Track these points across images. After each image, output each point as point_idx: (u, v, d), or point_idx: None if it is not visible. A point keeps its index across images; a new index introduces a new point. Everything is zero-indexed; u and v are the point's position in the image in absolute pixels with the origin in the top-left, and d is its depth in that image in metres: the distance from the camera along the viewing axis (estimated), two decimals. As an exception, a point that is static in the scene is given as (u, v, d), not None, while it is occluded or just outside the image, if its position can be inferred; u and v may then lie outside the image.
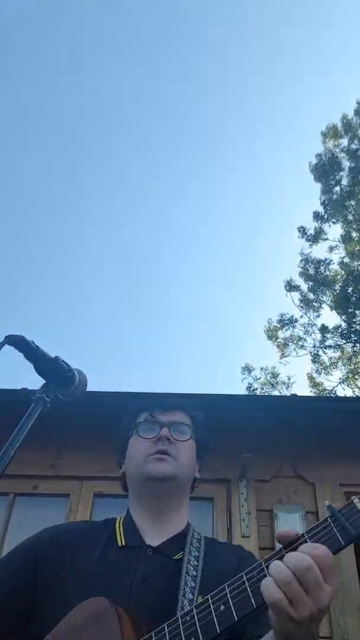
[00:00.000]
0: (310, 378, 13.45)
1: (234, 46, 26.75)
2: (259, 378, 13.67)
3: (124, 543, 1.17)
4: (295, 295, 13.86)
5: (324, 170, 13.69)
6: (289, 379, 13.48)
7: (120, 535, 1.19)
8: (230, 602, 0.82)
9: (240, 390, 13.53)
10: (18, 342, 0.91)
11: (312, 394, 12.43)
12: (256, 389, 13.66)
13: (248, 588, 0.82)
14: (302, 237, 13.93)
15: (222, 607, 0.82)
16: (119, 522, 1.24)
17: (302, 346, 13.65)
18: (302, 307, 13.70)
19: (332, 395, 12.47)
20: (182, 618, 0.85)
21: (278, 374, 13.64)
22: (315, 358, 13.38)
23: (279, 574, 0.76)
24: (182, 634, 0.83)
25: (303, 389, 13.60)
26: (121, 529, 1.21)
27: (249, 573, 0.83)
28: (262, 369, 13.86)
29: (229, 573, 0.98)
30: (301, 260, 13.94)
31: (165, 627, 0.87)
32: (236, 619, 0.80)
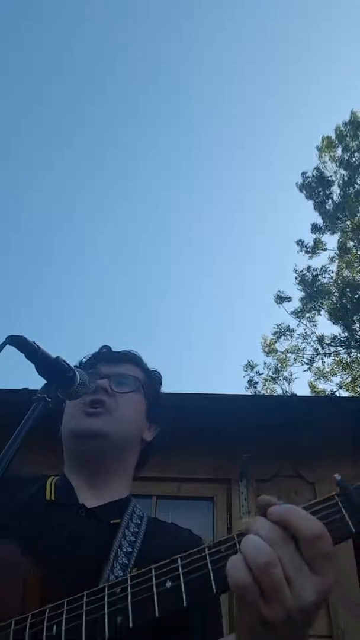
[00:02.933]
0: (312, 386, 13.59)
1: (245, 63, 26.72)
2: (262, 373, 13.85)
3: (52, 498, 1.00)
4: (289, 306, 14.07)
5: (312, 187, 13.85)
6: (291, 374, 13.66)
7: (50, 490, 1.02)
8: (182, 579, 0.60)
9: (242, 387, 13.71)
10: (19, 343, 0.91)
11: (311, 394, 12.53)
12: (257, 382, 13.85)
13: (209, 565, 0.59)
14: (301, 251, 14.05)
15: (169, 584, 0.60)
16: (51, 479, 1.07)
17: (301, 356, 13.85)
18: (300, 317, 13.84)
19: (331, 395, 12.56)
20: (110, 589, 0.64)
21: (280, 370, 13.81)
22: (312, 366, 13.58)
23: (253, 551, 0.53)
24: (105, 609, 0.62)
25: (304, 390, 13.72)
26: (53, 485, 1.04)
27: (213, 547, 0.62)
28: (265, 363, 14.05)
29: (174, 553, 0.89)
30: (298, 270, 14.08)
31: (84, 597, 0.66)
32: (185, 603, 0.59)
